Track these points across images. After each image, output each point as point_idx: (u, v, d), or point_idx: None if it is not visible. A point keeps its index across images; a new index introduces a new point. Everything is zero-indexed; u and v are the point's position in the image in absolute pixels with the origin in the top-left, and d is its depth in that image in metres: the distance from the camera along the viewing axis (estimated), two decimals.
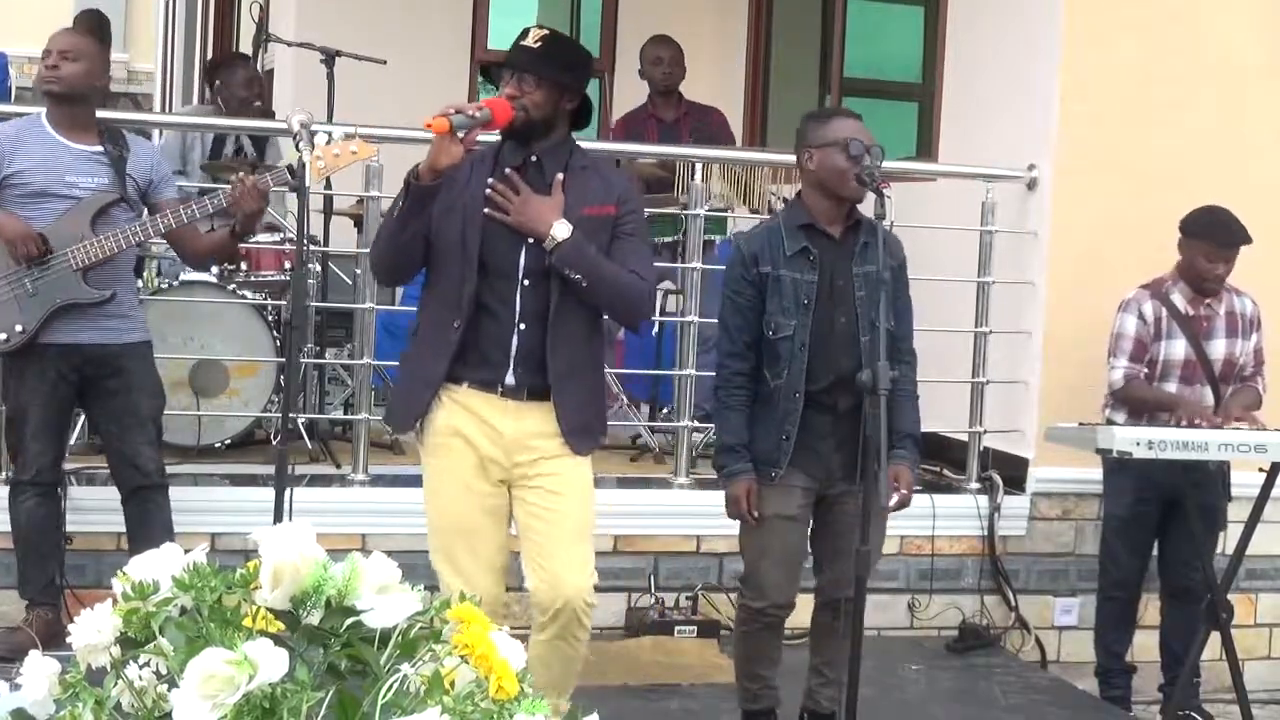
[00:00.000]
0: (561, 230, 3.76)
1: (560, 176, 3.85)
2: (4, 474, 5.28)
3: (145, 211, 4.81)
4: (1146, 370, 5.49)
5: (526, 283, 3.82)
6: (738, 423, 4.21)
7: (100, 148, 4.78)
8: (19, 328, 4.69)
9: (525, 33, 3.90)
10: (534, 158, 3.87)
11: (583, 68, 3.96)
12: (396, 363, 4.88)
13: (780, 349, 4.17)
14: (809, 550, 4.40)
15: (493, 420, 3.84)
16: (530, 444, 3.84)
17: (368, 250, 5.67)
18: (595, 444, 3.96)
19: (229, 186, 4.71)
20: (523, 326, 3.82)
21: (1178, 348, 5.48)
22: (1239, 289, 5.59)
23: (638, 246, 3.95)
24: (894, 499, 4.11)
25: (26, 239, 4.61)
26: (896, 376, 3.98)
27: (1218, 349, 5.51)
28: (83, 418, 5.38)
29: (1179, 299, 5.50)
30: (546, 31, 3.92)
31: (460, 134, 3.67)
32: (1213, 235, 5.42)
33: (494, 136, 3.95)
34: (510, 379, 3.82)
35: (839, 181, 4.17)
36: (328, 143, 4.21)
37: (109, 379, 4.80)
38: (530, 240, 3.79)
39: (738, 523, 4.31)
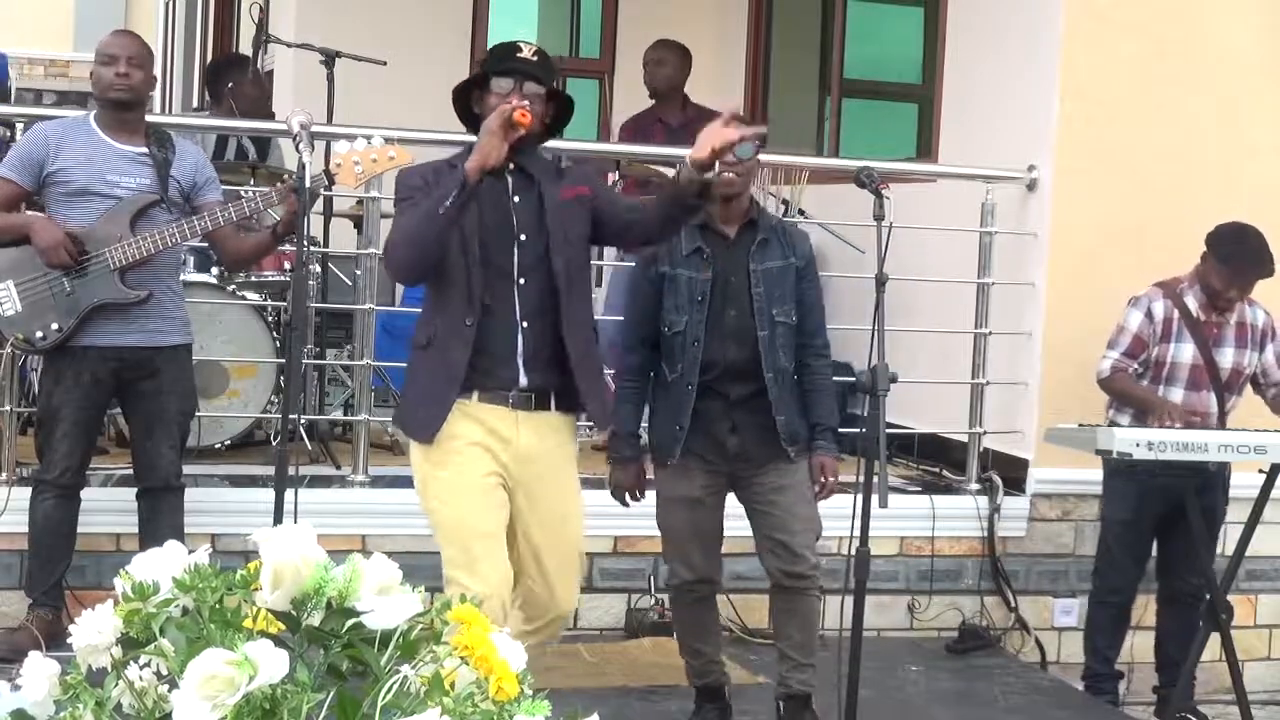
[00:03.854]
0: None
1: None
2: (4, 474, 5.29)
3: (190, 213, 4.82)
4: (1139, 368, 5.43)
5: (522, 281, 3.90)
6: (627, 414, 4.48)
7: (145, 149, 4.80)
8: (55, 326, 4.70)
9: (516, 46, 4.01)
10: (512, 166, 3.92)
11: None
12: (396, 363, 4.90)
13: (675, 344, 4.41)
14: (744, 532, 4.55)
15: (502, 430, 3.90)
16: (537, 454, 3.94)
17: (368, 252, 5.72)
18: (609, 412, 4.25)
19: (266, 190, 4.72)
20: (525, 325, 3.90)
21: (1186, 351, 5.40)
22: (1253, 299, 5.49)
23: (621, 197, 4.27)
24: (819, 489, 4.39)
25: (57, 247, 4.63)
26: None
27: (1226, 357, 5.43)
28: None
29: (1192, 302, 5.42)
30: (534, 46, 4.07)
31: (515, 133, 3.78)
32: (1236, 266, 5.29)
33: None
34: (523, 380, 3.89)
35: None
36: (365, 148, 4.24)
37: (143, 380, 4.82)
38: (522, 237, 3.90)
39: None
